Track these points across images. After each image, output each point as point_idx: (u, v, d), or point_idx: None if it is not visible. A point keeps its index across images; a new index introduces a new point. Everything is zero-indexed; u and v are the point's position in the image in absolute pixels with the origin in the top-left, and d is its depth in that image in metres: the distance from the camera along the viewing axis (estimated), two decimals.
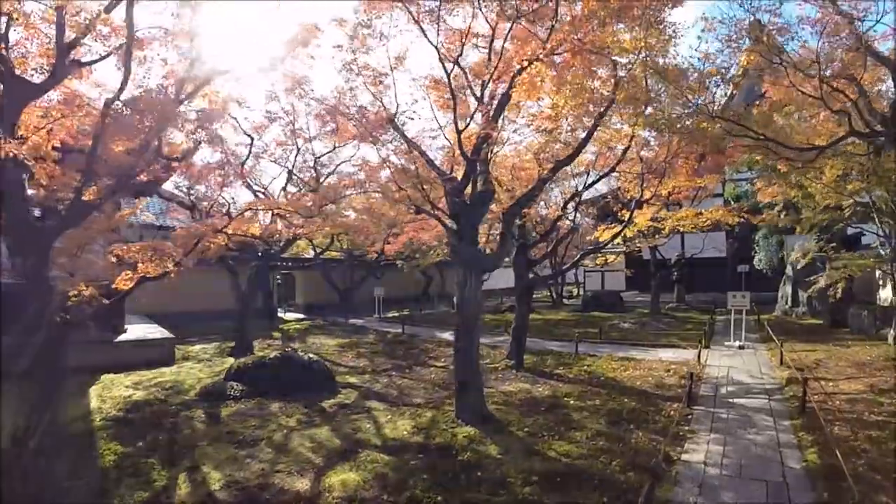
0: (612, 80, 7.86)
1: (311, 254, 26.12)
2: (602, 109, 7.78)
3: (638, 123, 8.34)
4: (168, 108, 6.47)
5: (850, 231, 19.01)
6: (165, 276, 7.29)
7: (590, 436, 7.13)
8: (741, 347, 13.28)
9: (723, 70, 7.68)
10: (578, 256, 12.20)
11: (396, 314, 24.52)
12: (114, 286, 7.17)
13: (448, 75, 6.96)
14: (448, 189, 7.30)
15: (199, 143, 9.06)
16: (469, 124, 8.00)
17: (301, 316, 25.85)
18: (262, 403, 8.78)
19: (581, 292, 33.09)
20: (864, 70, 8.74)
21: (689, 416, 7.84)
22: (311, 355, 10.68)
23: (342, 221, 18.24)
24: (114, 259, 7.31)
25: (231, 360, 12.41)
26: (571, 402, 9.01)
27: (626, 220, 11.84)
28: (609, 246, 13.42)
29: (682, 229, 13.76)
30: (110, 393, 9.47)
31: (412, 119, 7.57)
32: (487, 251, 12.31)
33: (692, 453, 6.41)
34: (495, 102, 7.57)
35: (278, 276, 33.57)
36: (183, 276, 7.51)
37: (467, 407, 7.74)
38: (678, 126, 8.23)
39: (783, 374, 10.05)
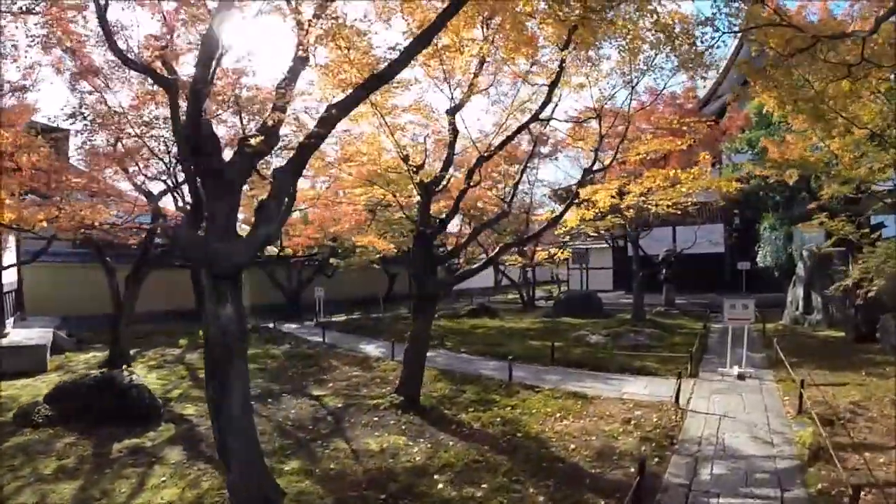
0: None
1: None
2: None
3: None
4: None
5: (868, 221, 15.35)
6: None
7: None
8: (741, 377, 9.51)
9: None
10: (496, 250, 8.58)
11: (344, 317, 21.51)
12: None
13: None
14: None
15: None
16: None
17: None
18: (56, 435, 7.34)
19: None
20: None
21: None
22: (134, 377, 8.94)
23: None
24: None
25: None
26: (441, 485, 5.44)
27: (574, 196, 8.11)
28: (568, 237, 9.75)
29: (653, 207, 9.93)
30: None
31: None
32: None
33: None
34: None
35: None
36: None
37: (235, 493, 4.32)
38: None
39: (804, 435, 6.29)
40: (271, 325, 19.48)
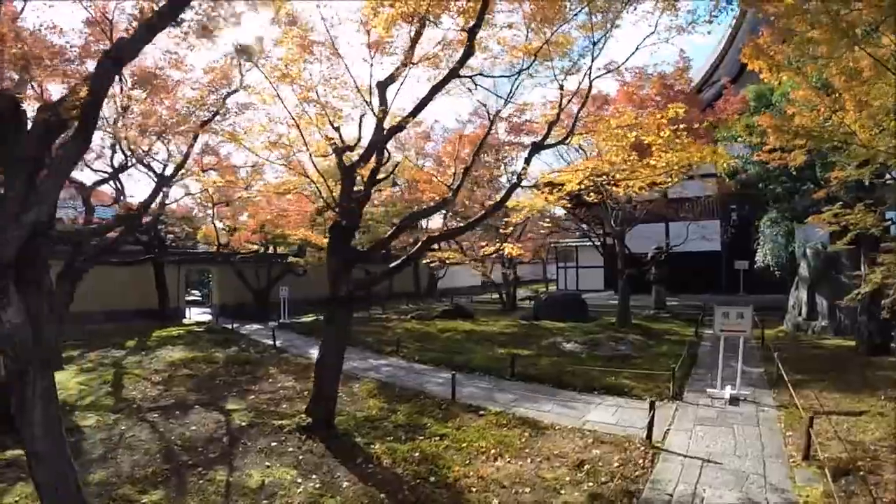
0: None
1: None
2: None
3: None
4: None
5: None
6: None
7: None
8: (734, 401, 7.80)
9: None
10: (419, 245, 6.94)
11: (312, 318, 19.88)
12: None
13: None
14: None
15: None
16: None
17: (207, 319, 21.66)
18: None
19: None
20: None
21: None
22: None
23: None
24: None
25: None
26: None
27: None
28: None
29: (624, 192, 8.18)
30: None
31: None
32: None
33: None
34: None
35: (209, 273, 29.54)
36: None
37: None
38: None
39: (811, 498, 4.61)
40: (232, 326, 18.12)
